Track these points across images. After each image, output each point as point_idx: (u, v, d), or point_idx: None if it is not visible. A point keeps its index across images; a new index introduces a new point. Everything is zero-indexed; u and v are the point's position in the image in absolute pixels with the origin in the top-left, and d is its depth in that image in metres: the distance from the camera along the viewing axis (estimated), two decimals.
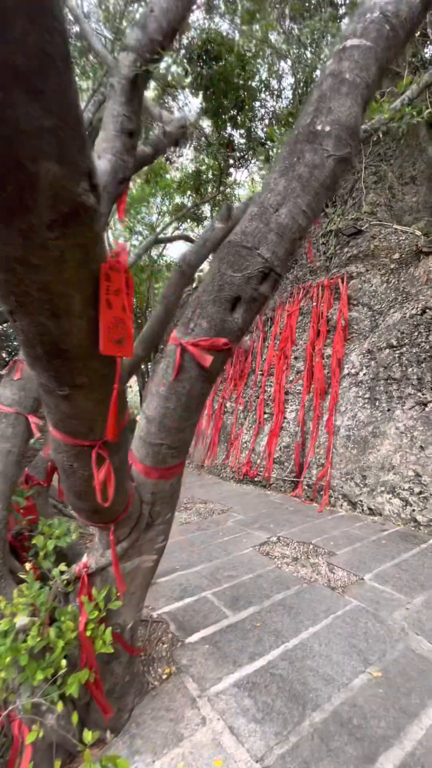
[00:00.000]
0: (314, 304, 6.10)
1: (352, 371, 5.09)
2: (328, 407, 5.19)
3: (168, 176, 11.15)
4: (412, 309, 4.64)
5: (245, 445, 6.54)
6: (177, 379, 1.26)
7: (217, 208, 11.48)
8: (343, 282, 5.71)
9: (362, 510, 4.34)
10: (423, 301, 4.60)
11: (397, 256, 5.30)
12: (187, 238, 9.22)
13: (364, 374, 4.90)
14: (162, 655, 2.04)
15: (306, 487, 5.12)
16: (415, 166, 5.80)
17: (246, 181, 14.24)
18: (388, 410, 4.47)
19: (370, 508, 4.26)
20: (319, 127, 1.16)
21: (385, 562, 3.04)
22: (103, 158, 1.78)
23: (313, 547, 3.41)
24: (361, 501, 4.37)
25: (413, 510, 3.87)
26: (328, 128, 1.16)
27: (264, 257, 1.27)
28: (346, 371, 5.20)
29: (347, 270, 5.76)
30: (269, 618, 2.37)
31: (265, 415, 6.37)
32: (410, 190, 5.83)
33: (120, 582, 1.36)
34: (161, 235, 9.15)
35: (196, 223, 11.35)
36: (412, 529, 3.79)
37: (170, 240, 9.34)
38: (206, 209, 11.50)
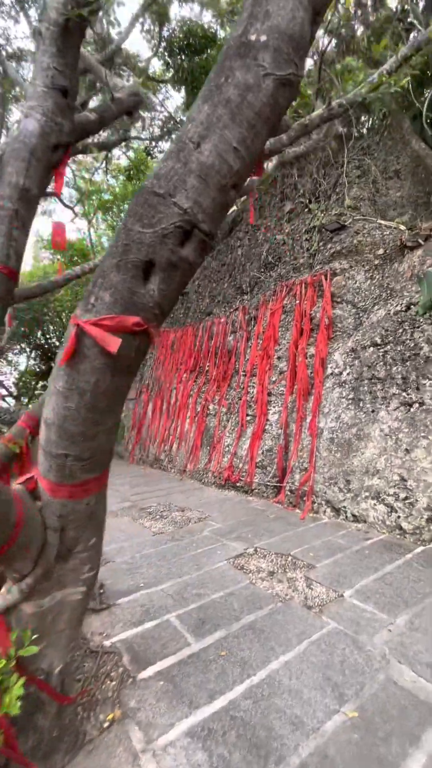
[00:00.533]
0: (297, 301, 5.90)
1: (336, 371, 4.89)
2: (311, 409, 4.98)
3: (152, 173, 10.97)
4: (397, 305, 4.45)
5: (227, 448, 6.29)
6: (75, 370, 0.99)
7: None
8: (326, 279, 5.52)
9: (346, 517, 4.11)
10: (407, 297, 4.41)
11: (381, 251, 5.12)
12: None
13: (348, 374, 4.70)
14: (108, 695, 1.77)
15: (289, 493, 4.89)
16: (399, 160, 5.65)
17: None
18: (373, 411, 4.27)
19: (354, 515, 4.04)
20: (252, 37, 0.90)
21: (368, 576, 2.81)
22: (30, 117, 1.53)
23: (292, 559, 3.17)
24: (344, 507, 4.15)
25: (398, 517, 3.66)
26: (264, 38, 0.90)
27: (182, 207, 1.00)
28: (329, 371, 4.99)
29: (331, 266, 5.57)
30: (236, 645, 2.11)
31: (248, 418, 6.13)
32: (394, 185, 5.67)
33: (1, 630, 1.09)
34: None
35: None
36: (398, 537, 3.57)
37: None
38: None
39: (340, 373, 4.81)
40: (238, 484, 5.76)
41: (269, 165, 5.29)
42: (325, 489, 4.44)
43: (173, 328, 9.93)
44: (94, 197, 11.02)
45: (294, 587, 2.71)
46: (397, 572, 2.85)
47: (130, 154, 10.20)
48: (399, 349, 4.21)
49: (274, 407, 5.73)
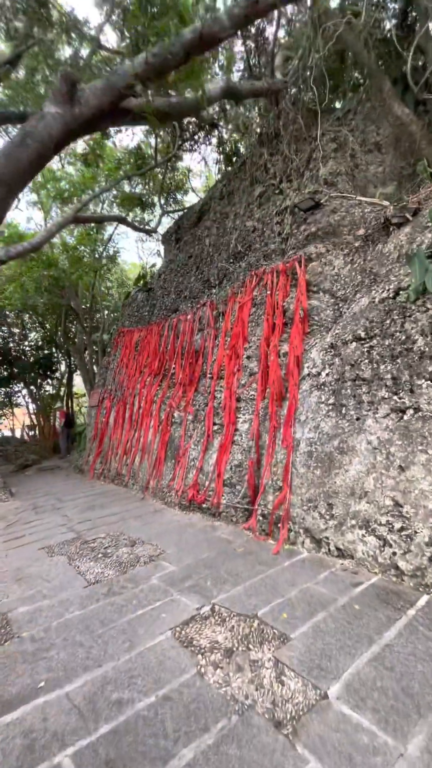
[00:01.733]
0: (268, 292, 5.14)
1: (313, 371, 4.14)
2: (285, 416, 4.21)
3: (115, 157, 9.93)
4: (383, 292, 3.74)
5: (192, 463, 5.45)
6: None
7: (166, 195, 10.42)
8: (300, 265, 4.79)
9: (328, 550, 3.34)
10: (395, 281, 3.71)
11: (362, 231, 4.42)
12: (122, 220, 8.08)
13: (328, 374, 3.95)
14: None
15: (261, 518, 4.09)
16: (380, 131, 4.98)
17: (203, 173, 13.28)
18: (358, 419, 3.52)
19: (338, 548, 3.28)
20: None
21: (361, 653, 2.03)
22: None
23: (259, 624, 2.36)
24: (326, 538, 3.38)
25: (393, 553, 2.91)
26: None
27: None
28: (306, 371, 4.24)
29: (305, 251, 4.84)
30: None
31: (215, 427, 5.32)
32: (374, 159, 5.00)
33: None
34: (86, 213, 7.89)
35: (141, 209, 10.24)
36: (394, 580, 2.82)
37: (100, 219, 8.12)
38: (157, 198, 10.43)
39: (318, 374, 4.07)
40: (204, 506, 4.92)
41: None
42: (303, 514, 3.66)
43: (137, 327, 9.06)
44: (49, 185, 10.02)
45: (258, 681, 1.90)
46: (400, 645, 2.08)
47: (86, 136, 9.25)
48: (387, 343, 3.49)
49: (243, 414, 4.94)
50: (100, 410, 9.20)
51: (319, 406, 3.92)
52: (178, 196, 11.01)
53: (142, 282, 9.88)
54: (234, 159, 9.29)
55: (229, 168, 8.41)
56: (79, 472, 9.31)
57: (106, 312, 14.40)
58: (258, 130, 6.92)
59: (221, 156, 9.60)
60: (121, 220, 8.24)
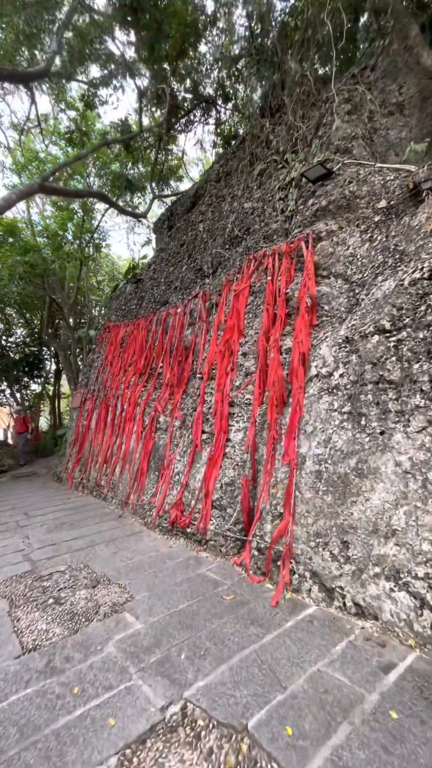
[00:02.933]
0: (269, 278, 4.36)
1: (323, 371, 3.36)
2: (288, 425, 3.42)
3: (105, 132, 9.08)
4: (414, 272, 2.96)
5: (177, 477, 4.66)
6: None
7: (158, 178, 9.58)
8: (307, 246, 4.02)
9: (343, 605, 2.56)
10: (428, 259, 2.94)
11: (383, 203, 3.66)
12: (103, 197, 7.27)
13: (342, 375, 3.17)
14: None
15: (256, 552, 3.30)
16: (402, 90, 4.23)
17: (200, 161, 12.48)
18: (382, 433, 2.75)
19: (357, 605, 2.49)
20: None
21: None
22: None
23: (251, 748, 1.57)
24: (341, 588, 2.59)
25: None
26: None
27: None
28: (313, 371, 3.46)
29: (313, 229, 4.07)
30: None
31: (204, 436, 4.53)
32: (395, 123, 4.25)
33: None
34: (52, 183, 7.05)
35: (130, 192, 9.43)
36: None
37: (76, 194, 7.30)
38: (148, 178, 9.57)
39: (330, 375, 3.29)
40: (188, 530, 4.13)
41: None
42: (309, 552, 2.88)
43: (124, 322, 8.27)
44: (31, 165, 9.21)
45: None
46: None
47: (71, 113, 8.45)
48: (422, 336, 2.72)
49: (237, 422, 4.16)
50: (81, 412, 8.39)
51: (331, 415, 3.14)
52: (172, 183, 10.25)
53: (131, 274, 9.09)
54: (233, 143, 8.53)
55: (227, 148, 7.66)
56: (57, 480, 8.48)
57: (96, 307, 13.59)
58: (258, 101, 6.17)
59: (219, 138, 8.83)
60: (103, 197, 7.41)
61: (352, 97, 4.32)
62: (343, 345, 3.27)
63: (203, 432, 4.52)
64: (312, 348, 3.59)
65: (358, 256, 3.67)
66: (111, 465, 6.49)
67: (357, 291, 3.56)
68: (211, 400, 4.56)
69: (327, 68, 4.52)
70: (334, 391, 3.19)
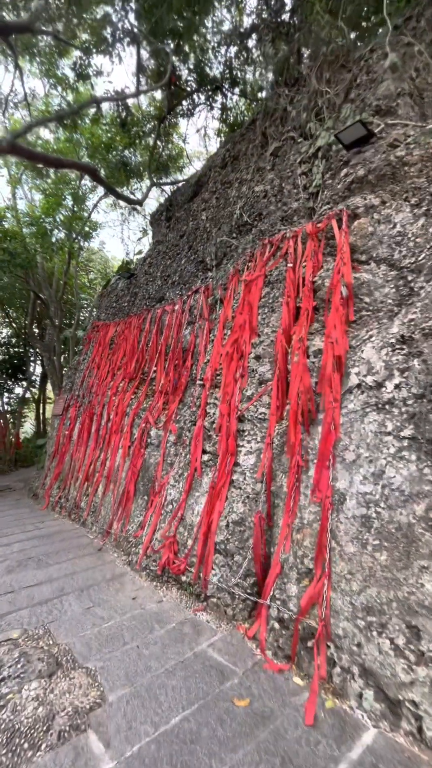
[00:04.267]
0: (289, 265, 3.57)
1: (369, 380, 2.54)
2: (319, 449, 2.59)
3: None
4: None
5: (170, 506, 3.79)
6: None
7: (156, 164, 8.76)
8: (340, 225, 3.23)
9: (419, 732, 1.70)
10: None
11: None
12: (92, 171, 6.45)
13: (398, 387, 2.36)
14: None
15: (276, 623, 2.44)
16: None
17: (201, 155, 11.77)
18: None
19: None
20: None
21: None
22: None
23: None
24: (413, 704, 1.74)
25: None
26: None
27: None
28: (354, 379, 2.64)
29: (348, 204, 3.29)
30: None
31: (206, 456, 3.67)
32: None
33: None
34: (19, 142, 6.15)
35: (126, 177, 8.62)
36: None
37: (57, 162, 6.44)
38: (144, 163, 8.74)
39: (379, 385, 2.47)
40: (183, 578, 3.25)
41: None
42: (356, 634, 2.03)
43: (114, 321, 7.42)
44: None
45: None
46: None
47: (61, 89, 7.65)
48: None
49: (249, 442, 3.32)
50: (63, 421, 7.48)
51: (383, 440, 2.32)
52: (172, 175, 9.49)
53: (125, 270, 8.27)
54: (242, 126, 7.81)
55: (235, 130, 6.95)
56: (33, 498, 7.52)
57: (86, 308, 12.72)
58: (270, 76, 5.46)
59: (224, 126, 8.12)
60: (92, 173, 6.53)
61: (396, 49, 3.61)
62: (397, 346, 2.46)
63: (204, 452, 3.66)
64: (351, 350, 2.78)
65: (409, 236, 2.89)
66: (93, 484, 5.58)
67: (410, 278, 2.77)
68: (214, 413, 3.72)
69: (362, 23, 3.84)
70: (387, 407, 2.37)
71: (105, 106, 7.36)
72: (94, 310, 13.18)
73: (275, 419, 3.14)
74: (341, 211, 3.27)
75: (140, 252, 9.66)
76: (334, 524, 2.37)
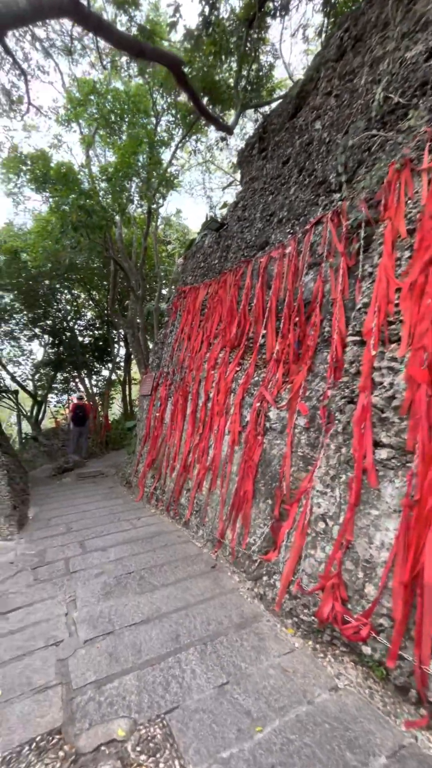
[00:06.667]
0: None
1: None
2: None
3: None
4: None
5: (321, 524, 2.53)
6: None
7: (246, 77, 7.02)
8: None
9: None
10: None
11: None
12: (175, 62, 5.13)
13: None
14: None
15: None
16: None
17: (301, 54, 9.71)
18: None
19: None
20: None
21: None
22: None
23: None
24: None
25: None
26: None
27: None
28: None
29: None
30: None
31: (384, 453, 2.31)
32: None
33: None
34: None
35: (211, 100, 7.18)
36: None
37: (140, 52, 5.17)
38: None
39: None
40: (364, 648, 2.00)
41: None
42: None
43: (204, 282, 6.28)
44: (92, 97, 7.51)
45: None
46: None
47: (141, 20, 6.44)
48: None
49: None
50: (153, 401, 6.67)
51: None
52: (264, 97, 7.78)
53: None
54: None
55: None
56: (126, 485, 6.92)
57: (165, 281, 11.90)
58: None
59: (329, 20, 6.24)
60: (177, 66, 5.06)
61: None
62: None
63: (379, 444, 2.31)
64: None
65: None
66: (194, 477, 4.60)
67: None
68: (393, 383, 2.33)
69: None
70: None
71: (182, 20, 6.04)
72: (173, 287, 12.37)
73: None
74: None
75: (224, 205, 8.35)
76: None
